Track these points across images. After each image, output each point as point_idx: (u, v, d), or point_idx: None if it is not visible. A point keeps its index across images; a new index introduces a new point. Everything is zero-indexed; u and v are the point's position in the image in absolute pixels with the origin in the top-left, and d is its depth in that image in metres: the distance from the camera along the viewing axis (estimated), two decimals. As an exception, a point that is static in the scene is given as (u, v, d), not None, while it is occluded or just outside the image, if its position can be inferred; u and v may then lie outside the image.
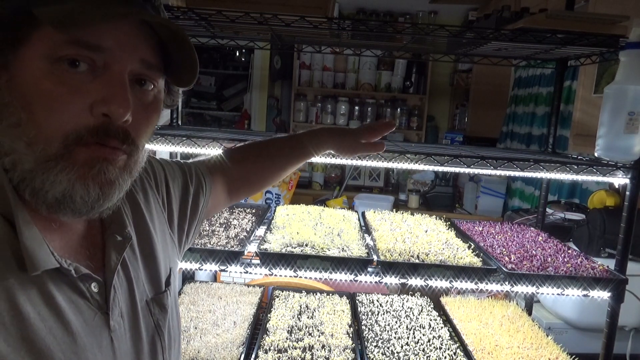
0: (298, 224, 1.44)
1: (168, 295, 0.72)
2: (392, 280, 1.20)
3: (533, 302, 1.79)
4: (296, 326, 1.42)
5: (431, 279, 1.20)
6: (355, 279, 1.21)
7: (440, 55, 1.72)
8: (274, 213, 1.64)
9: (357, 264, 1.20)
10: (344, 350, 1.30)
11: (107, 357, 0.58)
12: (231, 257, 1.22)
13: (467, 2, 3.72)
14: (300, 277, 1.22)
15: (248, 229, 1.44)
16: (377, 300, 1.67)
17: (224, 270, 1.29)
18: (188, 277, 1.83)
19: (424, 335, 1.41)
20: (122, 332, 0.62)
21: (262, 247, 1.25)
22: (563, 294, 1.21)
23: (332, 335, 1.38)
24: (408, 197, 3.85)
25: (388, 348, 1.32)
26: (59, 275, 0.55)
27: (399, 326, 1.47)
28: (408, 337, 1.39)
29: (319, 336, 1.36)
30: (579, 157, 1.48)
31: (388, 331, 1.43)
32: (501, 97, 3.78)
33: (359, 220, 1.64)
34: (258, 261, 1.23)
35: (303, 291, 1.69)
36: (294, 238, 1.29)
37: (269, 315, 1.49)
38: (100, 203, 0.55)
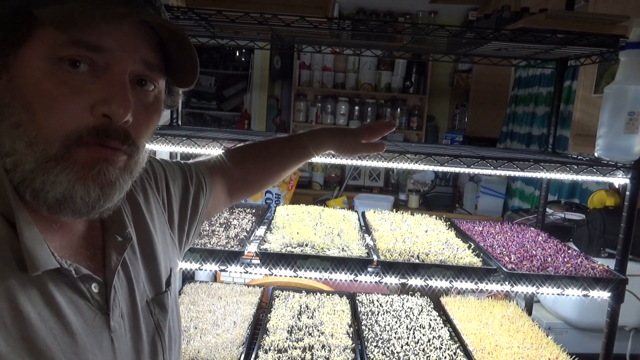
0: (298, 224, 1.44)
1: (168, 295, 0.72)
2: (392, 280, 1.20)
3: (533, 302, 1.79)
4: (296, 326, 1.42)
5: (431, 279, 1.20)
6: (355, 279, 1.21)
7: (440, 55, 1.72)
8: (274, 213, 1.64)
9: (357, 264, 1.20)
10: (344, 350, 1.30)
11: (107, 357, 0.58)
12: (231, 257, 1.22)
13: (467, 2, 3.72)
14: (300, 277, 1.22)
15: (248, 229, 1.44)
16: (377, 300, 1.67)
17: (224, 270, 1.29)
18: (188, 277, 1.83)
19: (424, 335, 1.41)
20: (123, 333, 0.62)
21: (262, 247, 1.25)
22: (563, 294, 1.21)
23: (332, 335, 1.38)
24: (408, 197, 3.85)
25: (388, 348, 1.32)
26: (59, 275, 0.55)
27: (399, 326, 1.47)
28: (408, 337, 1.39)
29: (319, 336, 1.37)
30: (579, 157, 1.48)
31: (388, 331, 1.43)
32: (501, 97, 3.78)
33: (359, 220, 1.64)
34: (258, 261, 1.23)
35: (303, 291, 1.69)
36: (294, 238, 1.29)
37: (269, 315, 1.49)
38: (100, 204, 0.56)
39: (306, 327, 1.41)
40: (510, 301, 1.73)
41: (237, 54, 5.02)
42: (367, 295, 1.71)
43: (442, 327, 1.48)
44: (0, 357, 0.46)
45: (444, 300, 1.71)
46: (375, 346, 1.33)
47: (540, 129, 3.03)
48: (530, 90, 3.22)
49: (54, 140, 0.52)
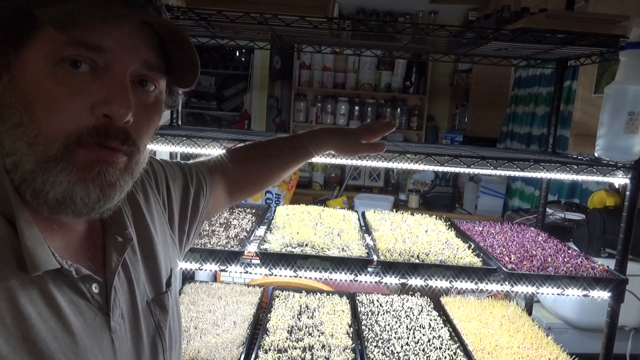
0: (298, 224, 1.44)
1: (169, 295, 0.72)
2: (392, 280, 1.20)
3: (533, 302, 1.79)
4: (296, 326, 1.42)
5: (431, 279, 1.20)
6: (355, 279, 1.21)
7: (440, 55, 1.72)
8: (274, 213, 1.64)
9: (357, 264, 1.20)
10: (344, 350, 1.30)
11: (107, 357, 0.58)
12: (231, 257, 1.22)
13: (467, 2, 3.72)
14: (300, 277, 1.22)
15: (248, 229, 1.44)
16: (377, 300, 1.67)
17: (224, 270, 1.29)
18: (188, 277, 1.83)
19: (424, 335, 1.41)
20: (123, 333, 0.62)
21: (262, 247, 1.25)
22: (563, 294, 1.21)
23: (332, 335, 1.38)
24: (408, 197, 3.85)
25: (388, 348, 1.32)
26: (59, 276, 0.55)
27: (399, 326, 1.47)
28: (408, 337, 1.39)
29: (319, 336, 1.37)
30: (579, 157, 1.48)
31: (388, 331, 1.43)
32: (501, 97, 3.78)
33: (359, 220, 1.64)
34: (258, 261, 1.23)
35: (303, 291, 1.69)
36: (294, 238, 1.29)
37: (269, 315, 1.49)
38: (100, 204, 0.56)
39: (306, 327, 1.41)
40: (510, 301, 1.73)
41: (237, 54, 5.02)
42: (367, 295, 1.71)
43: (442, 327, 1.48)
44: (1, 357, 0.46)
45: (444, 300, 1.71)
46: (375, 346, 1.33)
47: (540, 129, 3.03)
48: (530, 90, 3.22)
49: (54, 140, 0.52)
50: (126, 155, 0.57)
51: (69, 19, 0.49)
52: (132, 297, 0.65)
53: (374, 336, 1.39)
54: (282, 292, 1.68)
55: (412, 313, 1.58)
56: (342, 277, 1.21)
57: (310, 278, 1.25)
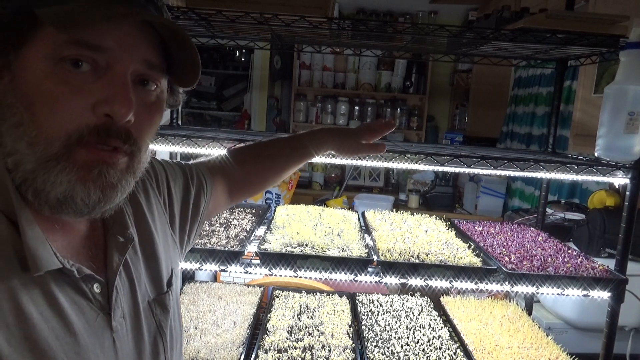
0: (298, 224, 1.44)
1: (170, 295, 0.72)
2: (392, 280, 1.20)
3: (533, 302, 1.79)
4: (296, 326, 1.42)
5: (431, 279, 1.21)
6: (355, 279, 1.21)
7: (440, 55, 1.72)
8: (274, 213, 1.64)
9: (357, 264, 1.20)
10: (344, 350, 1.30)
11: (109, 357, 0.58)
12: (231, 257, 1.22)
13: (467, 2, 3.72)
14: (300, 277, 1.22)
15: (248, 229, 1.44)
16: (377, 300, 1.67)
17: (224, 270, 1.29)
18: (188, 277, 1.83)
19: (424, 335, 1.41)
20: (124, 333, 0.62)
21: (262, 247, 1.25)
22: (563, 294, 1.21)
23: (332, 335, 1.38)
24: (408, 197, 3.85)
25: (388, 348, 1.32)
26: (61, 275, 0.55)
27: (399, 326, 1.47)
28: (408, 337, 1.39)
29: (319, 336, 1.37)
30: (579, 157, 1.48)
31: (388, 331, 1.43)
32: (501, 97, 3.78)
33: (359, 220, 1.64)
34: (258, 261, 1.23)
35: (303, 291, 1.69)
36: (294, 238, 1.29)
37: (269, 315, 1.49)
38: (101, 205, 0.56)
39: (306, 327, 1.41)
40: (510, 301, 1.73)
41: (237, 54, 5.02)
42: (367, 295, 1.71)
43: (442, 327, 1.48)
44: (3, 357, 0.46)
45: (444, 300, 1.71)
46: (375, 346, 1.33)
47: (540, 129, 3.03)
48: (530, 90, 3.22)
49: (55, 139, 0.52)
50: (127, 155, 0.57)
51: (69, 18, 0.49)
52: (133, 297, 0.65)
53: (374, 336, 1.39)
54: (282, 292, 1.68)
55: (412, 313, 1.58)
56: (342, 277, 1.21)
57: (310, 278, 1.25)
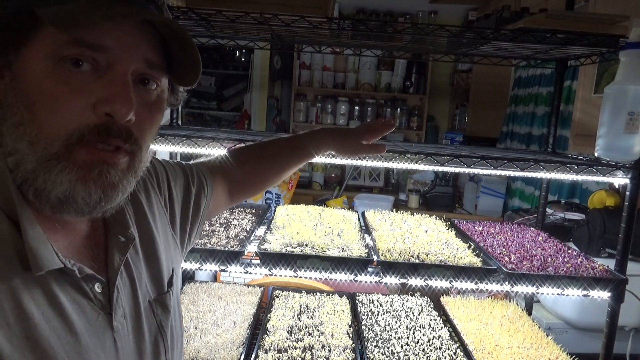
0: (298, 224, 1.44)
1: (171, 295, 0.72)
2: (392, 280, 1.20)
3: (533, 302, 1.79)
4: (296, 326, 1.42)
5: (431, 279, 1.21)
6: (355, 279, 1.21)
7: (440, 55, 1.72)
8: (274, 213, 1.64)
9: (357, 264, 1.20)
10: (344, 350, 1.30)
11: (110, 357, 0.58)
12: (231, 257, 1.22)
13: (467, 2, 3.72)
14: (300, 277, 1.22)
15: (248, 229, 1.44)
16: (377, 300, 1.67)
17: (224, 270, 1.29)
18: (188, 277, 1.83)
19: (424, 335, 1.41)
20: (125, 333, 0.62)
21: (262, 247, 1.25)
22: (563, 294, 1.21)
23: (332, 335, 1.38)
24: (408, 197, 3.85)
25: (388, 348, 1.32)
26: (62, 275, 0.55)
27: (399, 326, 1.47)
28: (408, 337, 1.39)
29: (319, 336, 1.37)
30: (579, 157, 1.48)
31: (388, 331, 1.43)
32: (501, 97, 3.78)
33: (359, 220, 1.64)
34: (258, 261, 1.23)
35: (303, 291, 1.69)
36: (294, 238, 1.29)
37: (269, 315, 1.49)
38: (102, 205, 0.56)
39: (306, 327, 1.41)
40: (510, 301, 1.73)
41: (237, 54, 5.02)
42: (367, 295, 1.71)
43: (442, 327, 1.48)
44: (4, 356, 0.46)
45: (444, 300, 1.71)
46: (375, 346, 1.33)
47: (540, 129, 3.03)
48: (530, 90, 3.22)
49: (55, 139, 0.52)
50: (128, 155, 0.57)
51: (69, 18, 0.49)
52: (134, 297, 0.65)
53: (374, 336, 1.39)
54: (282, 292, 1.68)
55: (412, 313, 1.58)
56: (342, 277, 1.21)
57: (310, 278, 1.25)
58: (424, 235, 1.44)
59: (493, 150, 1.63)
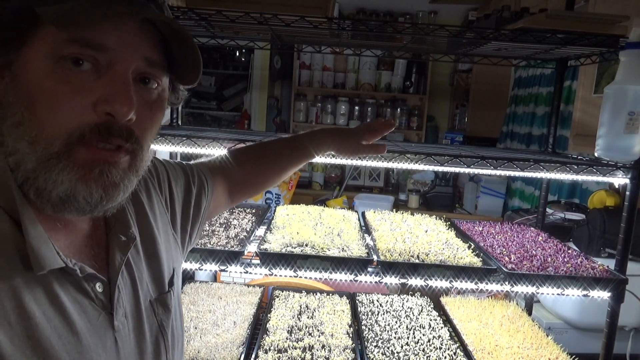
0: (298, 224, 1.44)
1: (171, 295, 0.72)
2: (392, 280, 1.20)
3: (533, 302, 1.79)
4: (296, 326, 1.42)
5: (431, 279, 1.21)
6: (355, 279, 1.21)
7: (440, 55, 1.72)
8: (274, 213, 1.64)
9: (357, 264, 1.20)
10: (344, 350, 1.30)
11: (111, 357, 0.58)
12: (231, 257, 1.22)
13: (467, 2, 3.72)
14: (300, 277, 1.22)
15: (248, 229, 1.44)
16: (377, 300, 1.67)
17: (224, 270, 1.29)
18: (188, 277, 1.83)
19: (424, 335, 1.41)
20: (126, 333, 0.62)
21: (262, 247, 1.25)
22: (563, 294, 1.21)
23: (332, 335, 1.38)
24: (408, 197, 3.85)
25: (388, 348, 1.32)
26: (64, 274, 0.55)
27: (399, 326, 1.47)
28: (408, 337, 1.39)
29: (319, 336, 1.37)
30: (579, 157, 1.48)
31: (388, 331, 1.43)
32: (501, 97, 3.78)
33: (359, 220, 1.64)
34: (258, 261, 1.23)
35: (303, 291, 1.69)
36: (294, 238, 1.29)
37: (269, 315, 1.49)
38: (103, 204, 0.56)
39: (306, 327, 1.41)
40: (510, 301, 1.73)
41: (237, 54, 5.02)
42: (367, 295, 1.71)
43: (442, 327, 1.48)
44: (6, 356, 0.46)
45: (444, 300, 1.71)
46: (375, 346, 1.33)
47: (540, 129, 3.03)
48: (530, 90, 3.22)
49: (56, 138, 0.52)
50: (129, 154, 0.57)
51: (70, 17, 0.49)
52: (135, 297, 0.65)
53: (374, 336, 1.39)
54: (282, 292, 1.68)
55: (412, 313, 1.58)
56: (342, 277, 1.21)
57: (310, 278, 1.25)
58: (424, 235, 1.44)
59: (493, 150, 1.63)
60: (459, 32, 1.27)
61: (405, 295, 1.74)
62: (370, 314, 1.55)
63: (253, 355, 1.26)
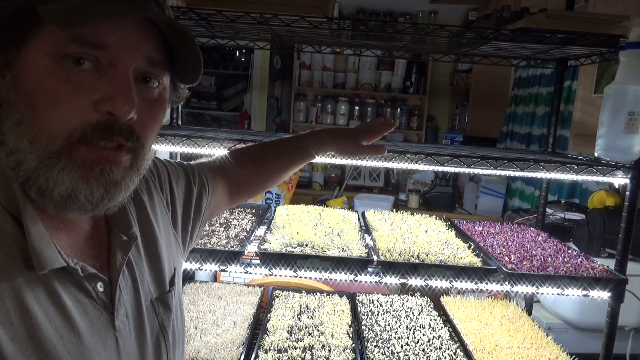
0: (298, 224, 1.44)
1: (172, 295, 0.73)
2: (392, 280, 1.20)
3: (533, 302, 1.79)
4: (296, 326, 1.42)
5: (431, 279, 1.21)
6: (355, 279, 1.21)
7: (440, 55, 1.72)
8: (274, 213, 1.64)
9: (357, 264, 1.20)
10: (344, 350, 1.30)
11: (112, 357, 0.58)
12: (231, 257, 1.22)
13: (467, 2, 3.72)
14: (300, 277, 1.22)
15: (248, 229, 1.44)
16: (377, 300, 1.67)
17: (224, 270, 1.29)
18: (188, 277, 1.82)
19: (424, 335, 1.41)
20: (127, 332, 0.62)
21: (262, 247, 1.25)
22: (563, 294, 1.21)
23: (332, 335, 1.38)
24: (408, 197, 3.86)
25: (388, 348, 1.32)
26: (65, 274, 0.55)
27: (399, 326, 1.47)
28: (408, 337, 1.39)
29: (319, 336, 1.37)
30: (579, 157, 1.48)
31: (388, 331, 1.43)
32: (501, 97, 3.78)
33: (359, 220, 1.64)
34: (258, 261, 1.23)
35: (303, 291, 1.69)
36: (294, 238, 1.29)
37: (269, 315, 1.49)
38: (104, 203, 0.56)
39: (306, 327, 1.41)
40: (510, 301, 1.73)
41: (237, 54, 5.02)
42: (367, 295, 1.71)
43: (442, 327, 1.48)
44: (7, 356, 0.46)
45: (444, 300, 1.71)
46: (375, 346, 1.33)
47: (540, 129, 3.03)
48: (530, 90, 3.22)
49: (57, 137, 0.52)
50: (131, 152, 0.57)
51: (71, 16, 0.49)
52: (136, 296, 0.65)
53: (374, 336, 1.39)
54: (282, 292, 1.68)
55: (412, 313, 1.58)
56: (342, 277, 1.21)
57: (310, 278, 1.25)
58: (424, 235, 1.44)
59: (493, 150, 1.63)
60: (459, 32, 1.27)
61: (405, 295, 1.74)
62: (370, 314, 1.55)
63: (253, 355, 1.26)
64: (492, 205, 3.60)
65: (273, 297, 1.63)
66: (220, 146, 1.22)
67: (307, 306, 1.57)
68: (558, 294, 1.21)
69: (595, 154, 1.28)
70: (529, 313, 1.72)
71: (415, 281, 1.21)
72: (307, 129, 1.05)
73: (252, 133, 1.69)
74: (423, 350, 1.32)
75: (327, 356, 1.27)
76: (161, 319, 0.69)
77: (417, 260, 1.23)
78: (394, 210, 1.84)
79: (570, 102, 2.49)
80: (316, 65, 4.36)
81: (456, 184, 3.94)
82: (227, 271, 1.28)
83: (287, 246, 1.26)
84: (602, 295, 1.22)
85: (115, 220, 0.65)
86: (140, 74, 0.57)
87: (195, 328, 1.40)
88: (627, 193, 1.24)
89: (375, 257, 1.23)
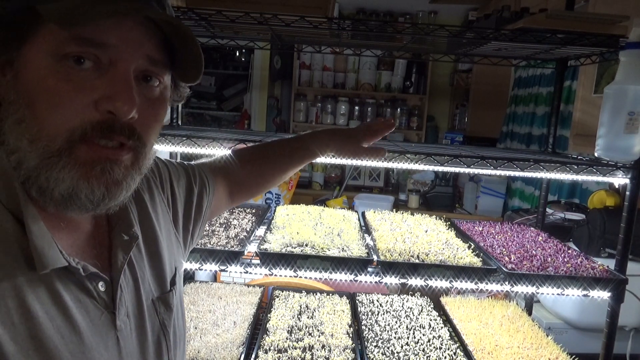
0: (298, 224, 1.44)
1: (173, 294, 0.73)
2: (392, 280, 1.20)
3: (533, 302, 1.79)
4: (296, 326, 1.42)
5: (431, 279, 1.21)
6: (355, 279, 1.21)
7: (440, 55, 1.72)
8: (274, 213, 1.64)
9: (357, 264, 1.20)
10: (344, 350, 1.30)
11: (113, 356, 0.58)
12: (231, 257, 1.22)
13: (467, 2, 3.72)
14: (300, 277, 1.22)
15: (248, 229, 1.44)
16: (377, 300, 1.67)
17: (224, 270, 1.29)
18: (188, 277, 1.82)
19: (424, 335, 1.41)
20: (128, 332, 0.62)
21: (262, 247, 1.25)
22: (563, 294, 1.21)
23: (332, 335, 1.38)
24: (408, 197, 3.86)
25: (388, 348, 1.32)
26: (66, 274, 0.55)
27: (399, 326, 1.47)
28: (408, 337, 1.39)
29: (319, 336, 1.37)
30: (579, 157, 1.48)
31: (388, 331, 1.43)
32: (501, 97, 3.78)
33: (359, 220, 1.64)
34: (258, 261, 1.23)
35: (303, 291, 1.69)
36: (294, 238, 1.29)
37: (269, 315, 1.49)
38: (105, 202, 0.56)
39: (306, 327, 1.41)
40: (510, 301, 1.73)
41: (237, 54, 5.02)
42: (367, 295, 1.71)
43: (442, 327, 1.48)
44: (9, 355, 0.46)
45: (444, 300, 1.71)
46: (375, 346, 1.33)
47: (540, 129, 3.03)
48: (530, 90, 3.22)
49: (57, 136, 0.52)
50: (132, 151, 0.57)
51: (71, 15, 0.49)
52: (137, 296, 0.65)
53: (374, 336, 1.39)
54: (282, 292, 1.68)
55: (412, 313, 1.58)
56: (342, 277, 1.21)
57: (310, 278, 1.25)
58: (424, 235, 1.44)
59: (493, 150, 1.63)
60: (459, 32, 1.27)
61: (405, 295, 1.74)
62: (370, 314, 1.55)
63: (253, 355, 1.26)
64: (492, 205, 3.60)
65: (273, 297, 1.63)
66: (220, 146, 1.22)
67: (307, 306, 1.57)
68: (558, 294, 1.21)
69: (595, 154, 1.29)
70: (529, 313, 1.73)
71: (415, 281, 1.21)
72: (307, 129, 1.05)
73: (252, 133, 1.69)
74: (423, 350, 1.32)
75: (327, 356, 1.27)
76: (162, 319, 0.69)
77: (417, 260, 1.23)
78: (394, 210, 1.84)
79: (570, 102, 2.49)
80: (316, 65, 4.36)
81: (456, 184, 3.94)
82: (227, 271, 1.28)
83: (287, 246, 1.26)
84: (602, 295, 1.22)
85: (116, 219, 0.65)
86: (141, 72, 0.57)
87: (195, 328, 1.40)
88: (627, 193, 1.24)
89: (375, 257, 1.23)
